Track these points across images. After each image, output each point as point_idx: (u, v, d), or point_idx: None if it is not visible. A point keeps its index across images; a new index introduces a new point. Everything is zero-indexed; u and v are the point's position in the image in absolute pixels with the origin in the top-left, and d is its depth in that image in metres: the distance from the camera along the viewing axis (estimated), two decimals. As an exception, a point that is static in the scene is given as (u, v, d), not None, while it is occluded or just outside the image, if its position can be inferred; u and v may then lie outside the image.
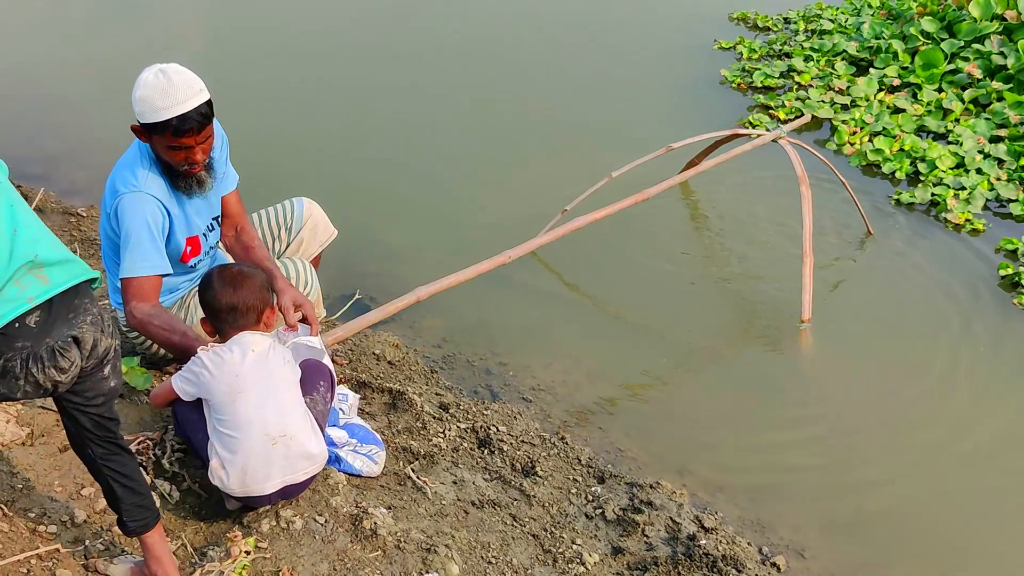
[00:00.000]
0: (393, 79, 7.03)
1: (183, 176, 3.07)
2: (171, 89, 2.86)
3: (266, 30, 7.93)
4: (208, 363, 2.80)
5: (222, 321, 2.92)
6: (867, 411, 4.01)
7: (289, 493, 2.80)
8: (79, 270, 2.19)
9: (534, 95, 6.75)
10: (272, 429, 2.72)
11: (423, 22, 8.13)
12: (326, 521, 2.81)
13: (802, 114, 6.05)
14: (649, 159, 4.90)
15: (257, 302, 2.93)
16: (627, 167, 4.86)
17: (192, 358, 2.85)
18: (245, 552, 2.63)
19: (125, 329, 3.35)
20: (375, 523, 2.82)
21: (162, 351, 3.37)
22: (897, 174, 5.62)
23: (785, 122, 5.70)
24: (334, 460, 3.04)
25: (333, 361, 3.93)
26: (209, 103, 2.95)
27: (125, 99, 2.99)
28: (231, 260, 3.50)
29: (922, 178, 5.54)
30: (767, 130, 5.09)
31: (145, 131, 2.96)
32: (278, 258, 3.63)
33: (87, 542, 2.65)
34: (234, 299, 2.89)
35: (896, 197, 5.40)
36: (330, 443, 3.03)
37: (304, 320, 3.19)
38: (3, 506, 2.67)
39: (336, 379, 3.21)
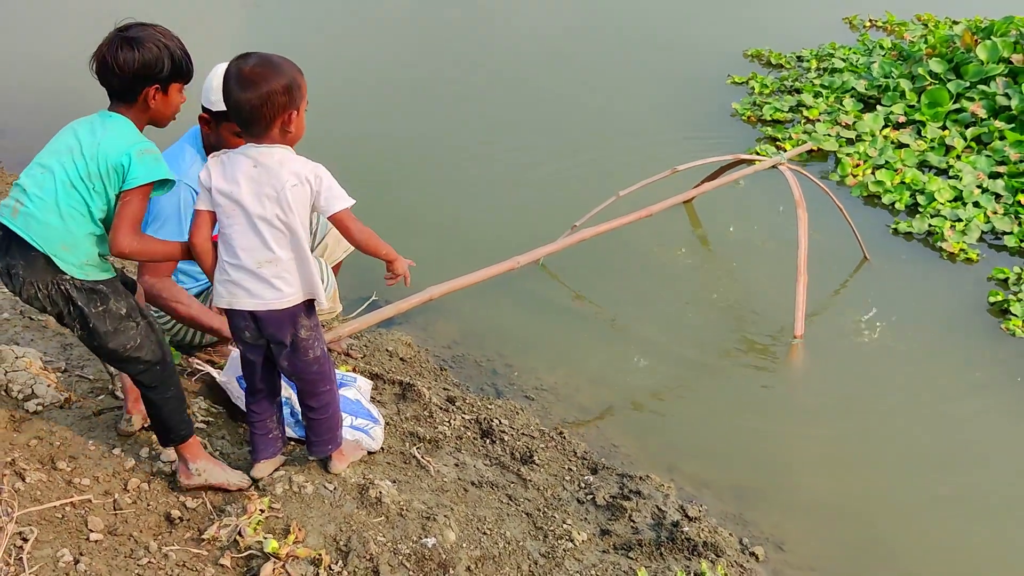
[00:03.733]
0: (420, 100, 7.39)
1: None
2: None
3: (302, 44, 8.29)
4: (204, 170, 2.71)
5: (234, 124, 2.74)
6: (851, 422, 4.20)
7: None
8: (42, 236, 2.53)
9: (550, 121, 7.08)
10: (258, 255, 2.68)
11: (449, 45, 8.51)
12: (335, 488, 3.04)
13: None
14: (655, 180, 5.16)
15: (264, 106, 2.58)
16: (633, 187, 5.13)
17: None
18: (260, 510, 2.87)
19: (155, 312, 3.62)
20: (380, 492, 3.05)
21: (191, 335, 3.64)
22: (897, 205, 5.85)
23: (787, 150, 5.96)
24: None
25: (348, 355, 4.21)
26: None
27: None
28: None
29: (920, 209, 5.76)
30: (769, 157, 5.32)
31: (214, 119, 3.26)
32: None
33: (116, 495, 2.90)
34: (239, 98, 2.59)
35: (894, 226, 5.63)
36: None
37: None
38: (43, 460, 2.93)
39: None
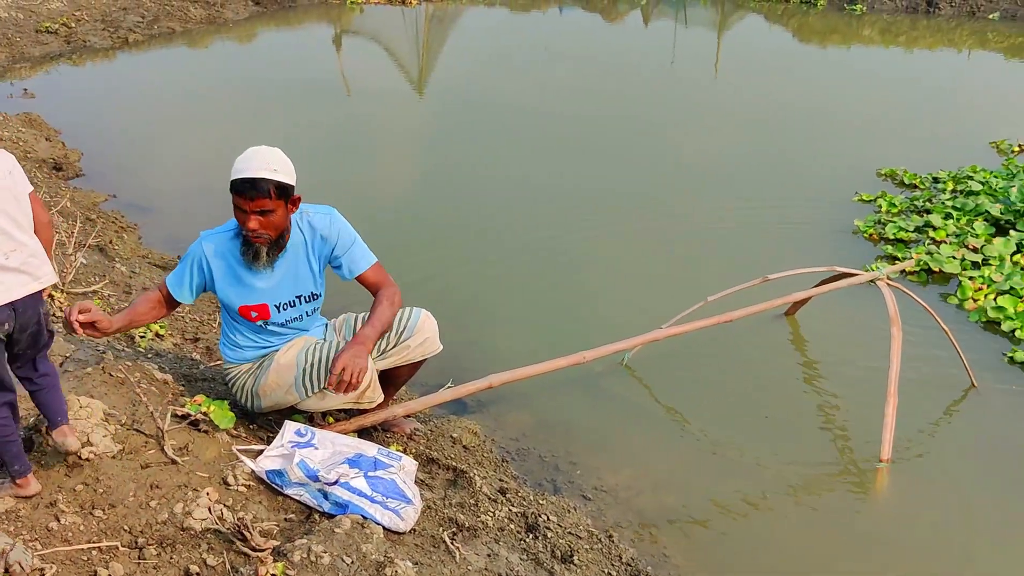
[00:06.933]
0: (542, 199, 7.56)
1: (245, 241, 3.54)
2: (249, 159, 3.37)
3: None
4: None
5: None
6: (934, 563, 3.89)
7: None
8: None
9: (664, 221, 7.12)
10: None
11: (576, 145, 8.70)
12: (352, 562, 3.04)
13: (926, 266, 6.05)
14: (745, 287, 5.05)
15: None
16: (723, 293, 5.04)
17: None
18: (272, 574, 2.90)
19: (228, 381, 3.80)
20: (396, 571, 3.02)
21: (251, 402, 3.79)
22: (1017, 333, 5.49)
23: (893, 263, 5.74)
24: (361, 512, 3.27)
25: (411, 439, 4.25)
26: (277, 184, 3.37)
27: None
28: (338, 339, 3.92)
29: (1042, 339, 5.40)
30: (867, 271, 5.12)
31: None
32: (381, 355, 3.96)
33: (143, 546, 3.00)
34: None
35: (1011, 355, 5.28)
36: (358, 493, 3.29)
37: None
38: (83, 505, 3.07)
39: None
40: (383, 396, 3.93)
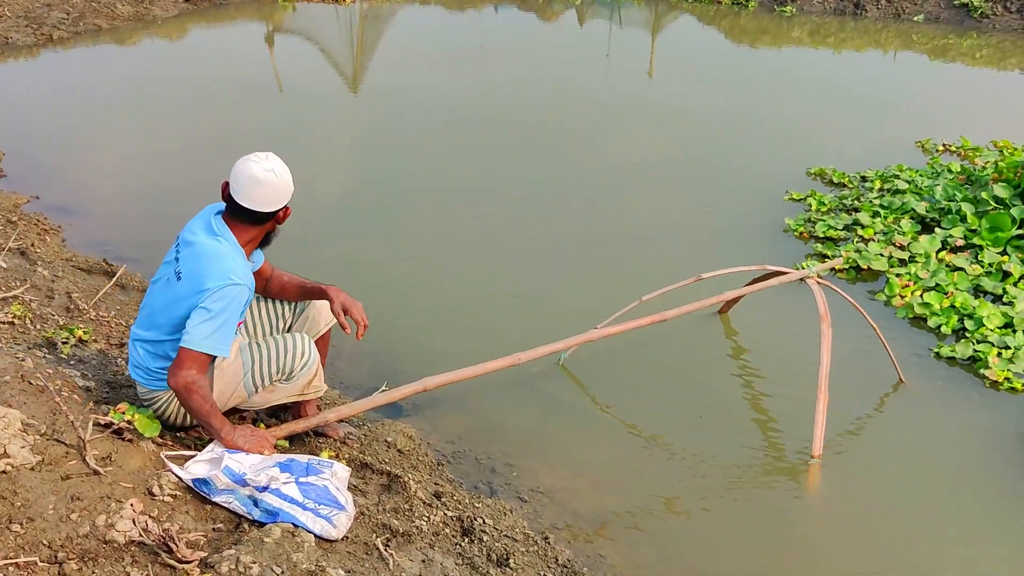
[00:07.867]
0: (470, 205, 7.52)
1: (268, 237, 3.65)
2: (284, 166, 3.47)
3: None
4: None
5: None
6: (866, 557, 3.94)
7: None
8: None
9: (600, 223, 7.13)
10: None
11: (516, 143, 8.68)
12: (282, 572, 2.97)
13: (855, 264, 6.15)
14: (679, 287, 5.08)
15: None
16: (657, 292, 5.06)
17: None
18: (199, 586, 2.82)
19: (142, 392, 3.68)
20: (328, 581, 2.97)
21: (172, 417, 3.68)
22: (943, 329, 5.61)
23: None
24: (292, 520, 3.21)
25: (344, 444, 4.18)
26: None
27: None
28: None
29: (967, 334, 5.51)
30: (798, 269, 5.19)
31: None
32: (288, 331, 3.94)
33: (63, 561, 2.89)
34: None
35: (936, 350, 5.38)
36: (289, 500, 3.23)
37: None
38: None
39: None
40: (325, 386, 3.91)
